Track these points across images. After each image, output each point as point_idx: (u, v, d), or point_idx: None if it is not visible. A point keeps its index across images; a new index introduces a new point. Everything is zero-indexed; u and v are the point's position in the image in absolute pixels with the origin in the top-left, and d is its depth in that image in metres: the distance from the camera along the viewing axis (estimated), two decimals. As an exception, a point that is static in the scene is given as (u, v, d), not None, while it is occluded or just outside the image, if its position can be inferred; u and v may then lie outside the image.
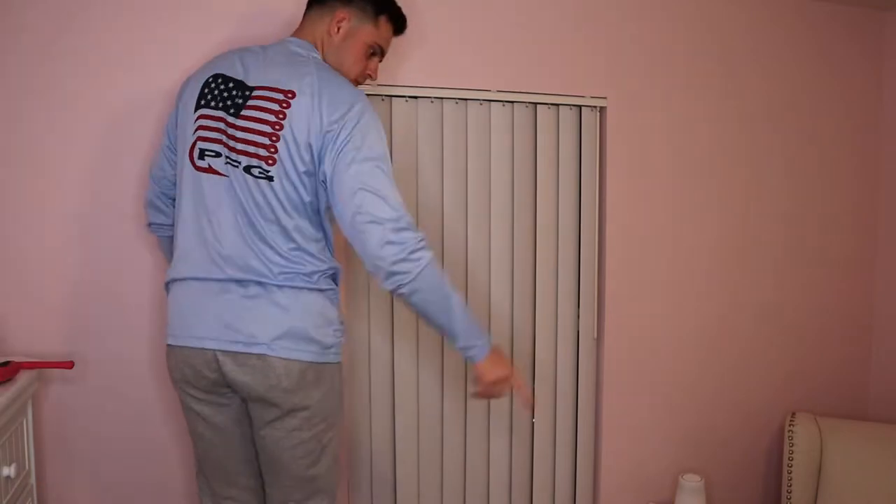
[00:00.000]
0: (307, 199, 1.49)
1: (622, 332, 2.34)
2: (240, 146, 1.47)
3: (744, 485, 2.55)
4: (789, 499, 2.31)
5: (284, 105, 1.46)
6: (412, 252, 1.45)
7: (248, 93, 1.50)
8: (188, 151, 1.53)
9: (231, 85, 1.51)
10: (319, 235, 1.53)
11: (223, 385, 1.50)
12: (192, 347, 1.48)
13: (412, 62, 2.05)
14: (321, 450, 1.54)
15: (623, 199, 2.30)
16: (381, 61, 1.71)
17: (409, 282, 1.45)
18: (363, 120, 1.47)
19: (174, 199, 1.66)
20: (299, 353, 1.47)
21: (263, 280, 1.46)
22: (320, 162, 1.47)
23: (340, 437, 1.63)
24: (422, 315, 1.54)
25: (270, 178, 1.47)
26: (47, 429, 1.83)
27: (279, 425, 1.49)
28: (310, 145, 1.45)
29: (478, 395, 1.60)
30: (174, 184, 1.64)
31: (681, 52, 2.33)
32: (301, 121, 1.45)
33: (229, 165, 1.48)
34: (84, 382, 1.85)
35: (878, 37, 2.60)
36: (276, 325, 1.46)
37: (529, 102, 2.19)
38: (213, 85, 1.53)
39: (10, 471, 1.47)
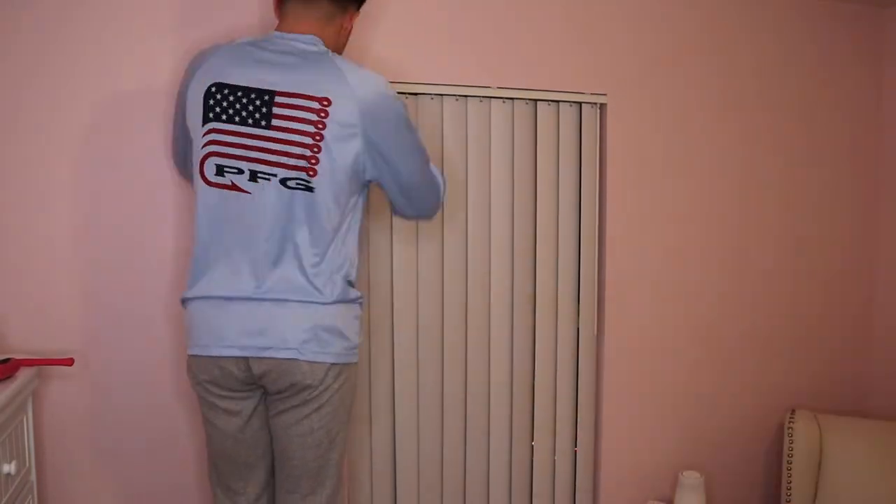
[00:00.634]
0: (338, 203, 1.52)
1: (622, 330, 2.34)
2: (273, 158, 1.47)
3: (743, 481, 2.55)
4: (789, 496, 2.32)
5: (323, 114, 1.46)
6: None
7: (267, 98, 1.47)
8: (199, 165, 1.51)
9: (240, 94, 1.48)
10: (344, 240, 1.57)
11: (252, 381, 1.55)
12: (222, 356, 1.51)
13: (412, 59, 2.05)
14: (330, 443, 1.58)
15: (623, 197, 2.30)
16: None
17: None
18: (394, 118, 1.55)
19: None
20: (325, 356, 1.52)
21: (296, 295, 1.50)
22: (366, 160, 1.53)
23: (348, 435, 1.68)
24: None
25: (311, 189, 1.48)
26: (47, 426, 1.83)
27: (294, 413, 1.54)
28: (351, 153, 1.49)
29: None
30: None
31: (681, 49, 2.33)
32: (343, 130, 1.47)
33: (261, 181, 1.48)
34: (84, 379, 1.85)
35: (878, 34, 2.59)
36: (304, 327, 1.50)
37: (529, 99, 2.18)
38: (217, 96, 1.49)
39: (10, 468, 1.47)
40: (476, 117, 2.14)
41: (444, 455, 2.20)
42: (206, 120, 1.49)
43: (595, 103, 2.26)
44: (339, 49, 1.65)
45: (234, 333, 1.50)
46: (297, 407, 1.54)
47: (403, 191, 1.63)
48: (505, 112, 2.17)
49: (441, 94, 2.09)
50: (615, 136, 2.27)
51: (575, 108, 2.25)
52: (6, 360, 1.57)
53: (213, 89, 1.49)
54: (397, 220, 2.09)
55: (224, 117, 1.48)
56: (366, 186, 1.62)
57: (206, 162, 1.50)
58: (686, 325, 2.42)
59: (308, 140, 1.46)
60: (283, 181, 1.48)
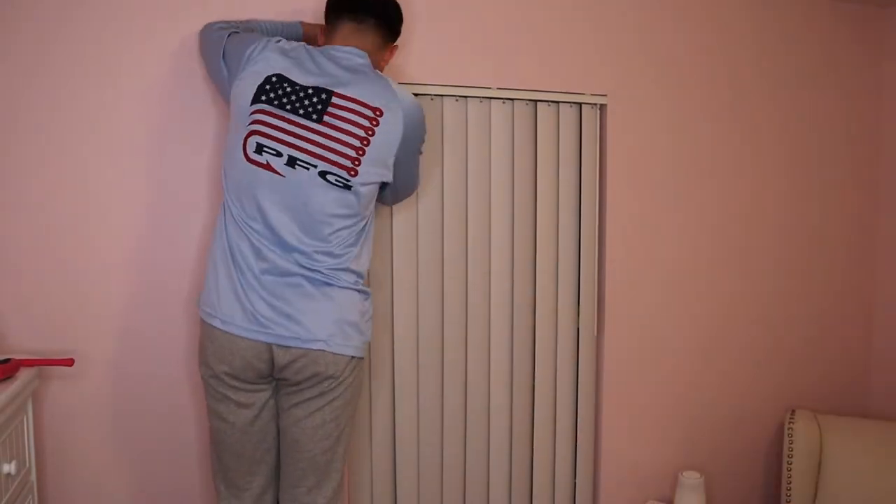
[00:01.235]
0: (368, 204, 1.65)
1: (622, 330, 2.34)
2: (318, 150, 1.56)
3: (743, 482, 2.55)
4: (789, 496, 2.32)
5: (374, 122, 1.59)
6: None
7: (324, 97, 1.57)
8: (242, 140, 1.58)
9: (298, 89, 1.57)
10: (365, 238, 1.68)
11: (268, 374, 1.59)
12: (246, 338, 1.55)
13: (412, 59, 2.05)
14: (337, 437, 1.63)
15: (623, 197, 2.30)
16: None
17: None
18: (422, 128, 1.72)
19: None
20: (347, 349, 1.60)
21: (318, 277, 1.58)
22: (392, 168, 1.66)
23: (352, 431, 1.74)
24: None
25: (349, 188, 1.59)
26: (47, 426, 1.83)
27: (306, 406, 1.59)
28: (388, 161, 1.63)
29: None
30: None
31: (681, 49, 2.33)
32: (389, 141, 1.61)
33: (298, 168, 1.56)
34: (84, 380, 1.85)
35: (879, 34, 2.60)
36: (331, 320, 1.58)
37: (530, 100, 2.18)
38: (276, 84, 1.57)
39: (10, 468, 1.47)
40: (476, 118, 2.14)
41: (444, 455, 2.20)
42: (256, 100, 1.57)
43: (595, 104, 2.26)
44: None
45: (259, 317, 1.55)
46: (312, 399, 1.59)
47: (400, 189, 1.79)
48: (505, 113, 2.17)
49: (441, 95, 2.09)
50: (615, 137, 2.27)
51: (575, 108, 2.25)
52: (6, 360, 1.57)
53: (275, 79, 1.58)
54: (398, 220, 2.09)
55: (276, 103, 1.57)
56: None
57: (249, 140, 1.57)
58: (686, 325, 2.42)
59: (356, 143, 1.58)
60: (322, 174, 1.57)
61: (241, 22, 1.78)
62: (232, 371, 1.57)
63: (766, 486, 2.59)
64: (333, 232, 1.59)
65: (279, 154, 1.56)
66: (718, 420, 2.50)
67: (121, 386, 1.88)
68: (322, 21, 1.76)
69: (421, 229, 2.12)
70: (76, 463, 1.86)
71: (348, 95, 1.58)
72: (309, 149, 1.56)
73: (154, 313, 1.88)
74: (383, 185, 1.71)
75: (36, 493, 1.69)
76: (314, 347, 1.56)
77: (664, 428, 2.43)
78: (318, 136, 1.56)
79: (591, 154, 2.28)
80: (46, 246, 1.80)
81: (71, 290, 1.82)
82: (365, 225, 1.67)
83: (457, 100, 2.12)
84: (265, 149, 1.56)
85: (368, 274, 2.06)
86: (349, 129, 1.57)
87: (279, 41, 1.65)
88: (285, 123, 1.56)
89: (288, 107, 1.56)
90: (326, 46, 1.67)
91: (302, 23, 1.86)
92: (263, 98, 1.57)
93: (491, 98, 2.14)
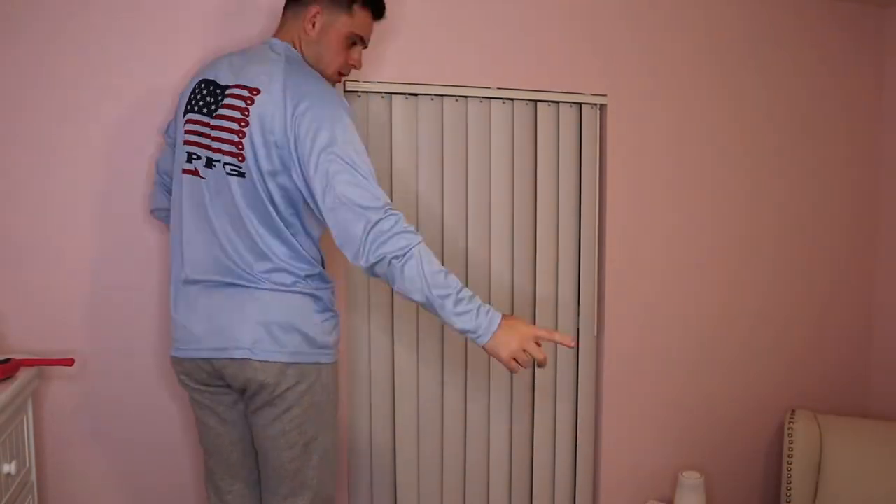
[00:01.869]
0: (277, 197, 1.48)
1: (622, 330, 2.34)
2: (215, 144, 1.51)
3: (743, 482, 2.55)
4: (789, 496, 2.32)
5: (249, 102, 1.47)
6: (393, 236, 1.41)
7: (220, 92, 1.53)
8: (181, 156, 1.58)
9: (212, 88, 1.55)
10: (298, 234, 1.53)
11: (219, 377, 1.55)
12: (188, 359, 1.56)
13: (412, 60, 2.05)
14: (304, 444, 1.54)
15: (623, 197, 2.30)
16: (364, 48, 1.68)
17: (393, 266, 1.41)
18: (323, 111, 1.45)
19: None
20: (278, 355, 1.48)
21: (242, 282, 1.50)
22: (290, 158, 1.45)
23: (337, 440, 1.64)
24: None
25: (242, 175, 1.49)
26: (48, 426, 1.83)
27: (263, 413, 1.53)
28: (275, 143, 1.45)
29: (509, 369, 1.53)
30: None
31: (680, 49, 2.33)
32: (265, 118, 1.44)
33: (213, 166, 1.51)
34: (84, 380, 1.85)
35: (878, 33, 2.60)
36: (256, 327, 1.48)
37: (529, 100, 2.18)
38: (197, 91, 1.57)
39: (10, 468, 1.47)
40: (476, 118, 2.14)
41: (444, 455, 2.20)
42: (185, 111, 1.58)
43: (595, 104, 2.26)
44: (319, 50, 1.60)
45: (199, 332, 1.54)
46: (264, 408, 1.52)
47: (327, 206, 1.47)
48: (505, 113, 2.17)
49: (441, 95, 2.09)
50: (615, 137, 2.27)
51: (575, 108, 2.25)
52: (6, 360, 1.57)
53: (203, 85, 1.58)
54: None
55: (196, 108, 1.56)
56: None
57: (183, 151, 1.57)
58: (686, 325, 2.42)
59: (234, 125, 1.48)
60: (225, 165, 1.51)
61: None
62: (185, 371, 1.58)
63: (766, 486, 2.59)
64: (255, 228, 1.49)
65: (198, 157, 1.54)
66: (718, 420, 2.50)
67: (121, 386, 1.88)
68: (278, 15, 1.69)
69: (421, 229, 2.12)
70: (76, 463, 1.86)
71: (235, 83, 1.51)
72: (211, 144, 1.51)
73: (154, 313, 1.88)
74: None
75: (36, 493, 1.68)
76: (236, 356, 1.47)
77: (664, 428, 2.43)
78: (213, 130, 1.51)
79: (591, 154, 2.28)
80: (46, 246, 1.80)
81: (71, 290, 1.82)
82: (292, 223, 1.52)
83: (457, 100, 2.12)
84: (193, 156, 1.55)
85: (360, 273, 2.06)
86: (229, 114, 1.49)
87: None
88: (202, 126, 1.54)
89: (204, 109, 1.54)
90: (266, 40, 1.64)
91: None
92: (188, 108, 1.57)
93: (491, 98, 2.14)
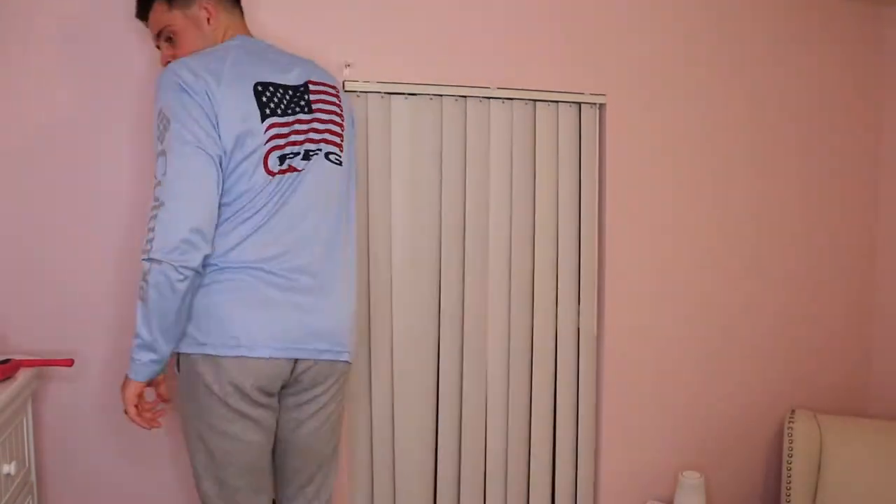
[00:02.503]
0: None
1: (622, 330, 2.34)
2: (317, 136, 1.59)
3: (743, 482, 2.55)
4: (789, 495, 2.32)
5: (340, 98, 1.68)
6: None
7: (302, 88, 1.59)
8: (262, 161, 1.48)
9: (281, 91, 1.55)
10: None
11: (288, 385, 1.55)
12: (281, 359, 1.49)
13: (412, 59, 2.05)
14: (340, 429, 1.69)
15: (623, 197, 2.30)
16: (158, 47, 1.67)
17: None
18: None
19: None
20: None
21: (343, 264, 1.62)
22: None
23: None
24: None
25: (341, 164, 1.64)
26: (47, 427, 1.83)
27: (314, 403, 1.59)
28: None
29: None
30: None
31: (680, 49, 2.33)
32: (349, 111, 1.72)
33: (312, 158, 1.56)
34: (84, 380, 1.85)
35: (878, 33, 2.59)
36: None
37: (529, 100, 2.18)
38: (269, 94, 1.52)
39: (10, 468, 1.47)
40: (475, 118, 2.14)
41: (444, 455, 2.20)
42: (264, 117, 1.49)
43: (594, 103, 2.26)
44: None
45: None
46: (318, 397, 1.61)
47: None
48: (504, 112, 2.17)
49: (440, 95, 2.09)
50: (614, 137, 2.27)
51: (574, 108, 2.25)
52: (6, 361, 1.57)
53: (260, 88, 1.51)
54: (396, 220, 2.09)
55: (279, 111, 1.53)
56: None
57: (269, 157, 1.50)
58: (686, 325, 2.42)
59: (339, 119, 1.66)
60: (327, 155, 1.60)
61: None
62: (257, 385, 1.47)
63: (766, 486, 2.59)
64: (348, 218, 1.67)
65: (297, 154, 1.55)
66: (719, 420, 2.49)
67: (120, 386, 1.87)
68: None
69: (421, 228, 2.12)
70: (76, 463, 1.86)
71: (314, 80, 1.64)
72: (312, 137, 1.58)
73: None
74: None
75: (36, 493, 1.69)
76: (343, 359, 1.62)
77: (664, 428, 2.43)
78: (317, 124, 1.60)
79: (591, 154, 2.28)
80: (47, 246, 1.80)
81: (71, 290, 1.83)
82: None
83: (456, 100, 2.12)
84: (287, 157, 1.52)
85: (361, 273, 2.06)
86: (331, 108, 1.64)
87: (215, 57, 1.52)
88: (294, 125, 1.56)
89: (289, 111, 1.55)
90: (241, 36, 1.60)
91: None
92: (267, 112, 1.51)
93: (490, 98, 2.14)
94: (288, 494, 1.65)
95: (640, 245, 2.34)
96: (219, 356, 1.44)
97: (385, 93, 2.04)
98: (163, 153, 1.42)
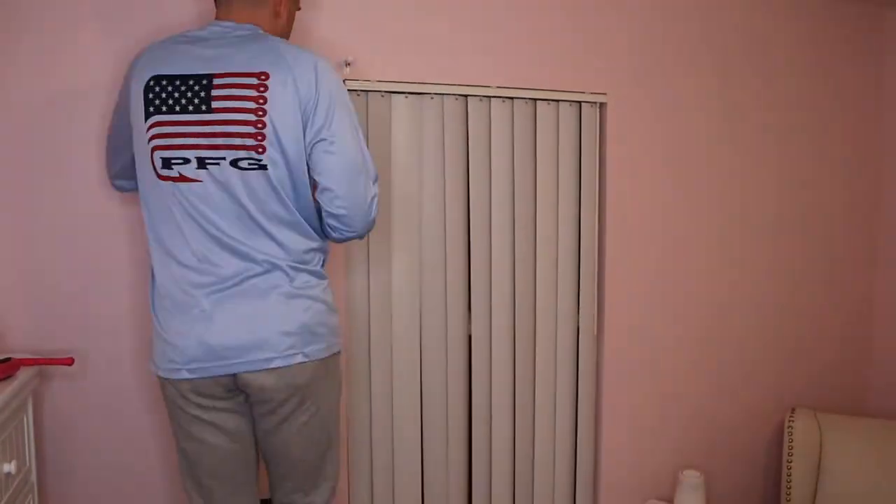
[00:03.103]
0: (304, 179, 1.48)
1: (622, 329, 2.34)
2: (221, 141, 1.43)
3: (744, 480, 2.56)
4: (789, 494, 2.32)
5: (262, 88, 1.42)
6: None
7: (205, 83, 1.43)
8: (148, 161, 1.47)
9: (178, 83, 1.43)
10: (311, 218, 1.54)
11: (235, 388, 1.51)
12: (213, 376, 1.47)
13: (413, 58, 2.05)
14: (329, 436, 1.60)
15: (623, 196, 2.30)
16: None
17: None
18: (334, 85, 1.48)
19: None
20: (316, 353, 1.51)
21: (265, 275, 1.47)
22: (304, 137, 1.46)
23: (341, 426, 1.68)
24: None
25: (264, 167, 1.44)
26: (48, 425, 1.83)
27: (291, 416, 1.53)
28: (301, 125, 1.44)
29: None
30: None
31: (680, 48, 2.33)
32: (283, 102, 1.42)
33: (210, 167, 1.44)
34: (84, 379, 1.85)
35: (878, 34, 2.60)
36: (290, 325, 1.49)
37: (529, 98, 2.18)
38: (157, 89, 1.44)
39: (10, 467, 1.47)
40: (476, 117, 2.14)
41: (445, 454, 2.20)
42: (147, 114, 1.44)
43: (595, 103, 2.26)
44: (286, 30, 1.61)
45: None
46: (294, 412, 1.54)
47: (337, 174, 1.49)
48: (505, 111, 2.17)
49: (441, 94, 2.09)
50: (615, 136, 2.27)
51: (574, 107, 2.25)
52: (6, 360, 1.57)
53: (152, 82, 1.45)
54: (397, 221, 2.09)
55: (164, 108, 1.44)
56: None
57: (154, 156, 1.45)
58: (686, 325, 2.42)
59: (251, 117, 1.42)
60: (234, 163, 1.44)
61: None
62: (195, 389, 1.50)
63: (766, 485, 2.59)
64: (277, 220, 1.48)
65: (187, 161, 1.44)
66: (718, 419, 2.50)
67: (120, 385, 1.87)
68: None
69: (422, 227, 2.11)
70: (76, 463, 1.86)
71: (227, 72, 1.43)
72: (210, 143, 1.43)
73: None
74: (320, 181, 1.49)
75: (36, 493, 1.68)
76: (274, 366, 1.50)
77: (664, 427, 2.43)
78: (214, 127, 1.42)
79: (591, 153, 2.28)
80: (48, 246, 1.80)
81: (71, 290, 1.82)
82: (307, 199, 1.51)
83: (457, 98, 2.12)
84: (172, 161, 1.44)
85: (362, 274, 2.05)
86: (238, 105, 1.42)
87: (150, 44, 1.51)
88: (182, 127, 1.43)
89: (177, 107, 1.43)
90: (207, 25, 1.53)
91: None
92: (152, 108, 1.44)
93: (491, 97, 2.14)
94: (279, 497, 1.65)
95: (640, 245, 2.34)
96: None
97: (385, 92, 2.04)
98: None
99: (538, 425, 2.28)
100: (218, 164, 1.44)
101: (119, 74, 1.80)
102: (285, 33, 1.62)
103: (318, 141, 1.46)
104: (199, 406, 1.50)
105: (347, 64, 1.96)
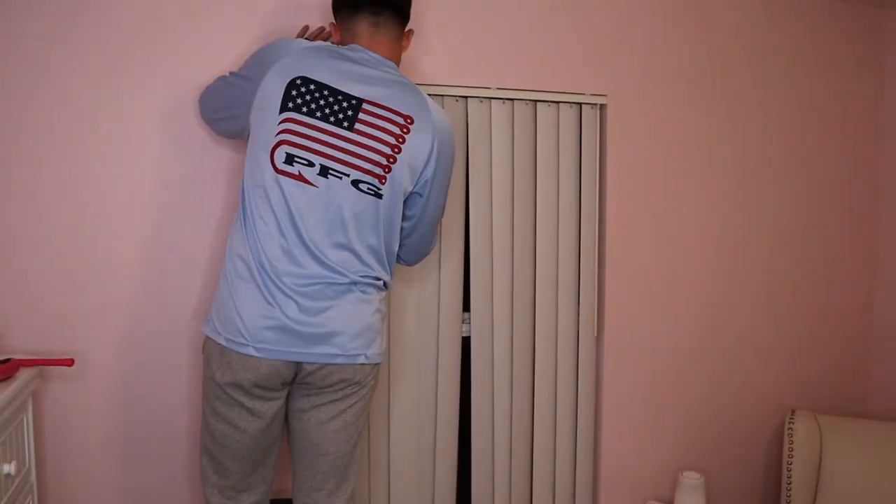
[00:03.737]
0: (398, 219, 1.66)
1: (622, 330, 2.34)
2: (351, 160, 1.55)
3: (744, 482, 2.55)
4: (789, 496, 2.32)
5: (405, 130, 1.59)
6: None
7: (354, 103, 1.55)
8: (268, 149, 1.53)
9: (326, 93, 1.54)
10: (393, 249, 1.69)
11: (290, 382, 1.57)
12: (283, 361, 1.53)
13: (412, 59, 2.05)
14: (358, 435, 1.66)
15: (623, 197, 2.30)
16: None
17: None
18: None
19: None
20: (375, 356, 1.64)
21: (349, 284, 1.57)
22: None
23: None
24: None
25: (380, 196, 1.58)
26: (47, 426, 1.83)
27: (332, 406, 1.60)
28: (417, 170, 1.63)
29: None
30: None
31: (680, 49, 2.33)
32: (417, 148, 1.60)
33: (331, 177, 1.54)
34: (84, 380, 1.85)
35: (878, 34, 2.60)
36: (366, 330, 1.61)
37: (530, 100, 2.18)
38: (302, 89, 1.53)
39: (10, 468, 1.47)
40: (476, 118, 2.14)
41: (442, 454, 2.20)
42: (283, 108, 1.53)
43: (595, 104, 2.26)
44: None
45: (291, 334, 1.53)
46: (335, 402, 1.61)
47: (416, 225, 1.74)
48: (505, 112, 2.17)
49: (441, 95, 2.09)
50: (615, 137, 2.27)
51: (575, 108, 2.25)
52: (6, 360, 1.57)
53: (299, 82, 1.53)
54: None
55: (305, 110, 1.53)
56: None
57: (277, 150, 1.53)
58: (686, 325, 2.42)
59: (387, 150, 1.57)
60: (355, 182, 1.56)
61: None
62: (255, 381, 1.52)
63: (766, 486, 2.59)
64: (368, 243, 1.61)
65: (311, 164, 1.53)
66: (718, 420, 2.50)
67: (120, 386, 1.88)
68: (330, 18, 1.73)
69: (421, 229, 2.12)
70: (76, 463, 1.86)
71: (378, 102, 1.57)
72: (340, 157, 1.54)
73: (155, 313, 1.88)
74: (402, 227, 1.71)
75: (36, 493, 1.68)
76: (359, 362, 1.60)
77: (664, 428, 2.43)
78: (349, 145, 1.55)
79: (591, 154, 2.28)
80: (48, 246, 1.80)
81: (71, 290, 1.82)
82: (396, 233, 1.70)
83: (457, 100, 2.12)
84: (296, 158, 1.53)
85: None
86: (380, 135, 1.57)
87: (298, 41, 1.61)
88: (316, 132, 1.53)
89: (318, 114, 1.53)
90: (353, 46, 1.62)
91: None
92: (291, 105, 1.53)
93: (491, 98, 2.14)
94: (300, 498, 1.66)
95: (640, 245, 2.34)
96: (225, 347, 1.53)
97: (386, 92, 2.04)
98: None
99: (538, 426, 2.28)
100: (340, 178, 1.54)
101: (120, 75, 1.81)
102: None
103: (417, 193, 1.67)
104: (249, 394, 1.54)
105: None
